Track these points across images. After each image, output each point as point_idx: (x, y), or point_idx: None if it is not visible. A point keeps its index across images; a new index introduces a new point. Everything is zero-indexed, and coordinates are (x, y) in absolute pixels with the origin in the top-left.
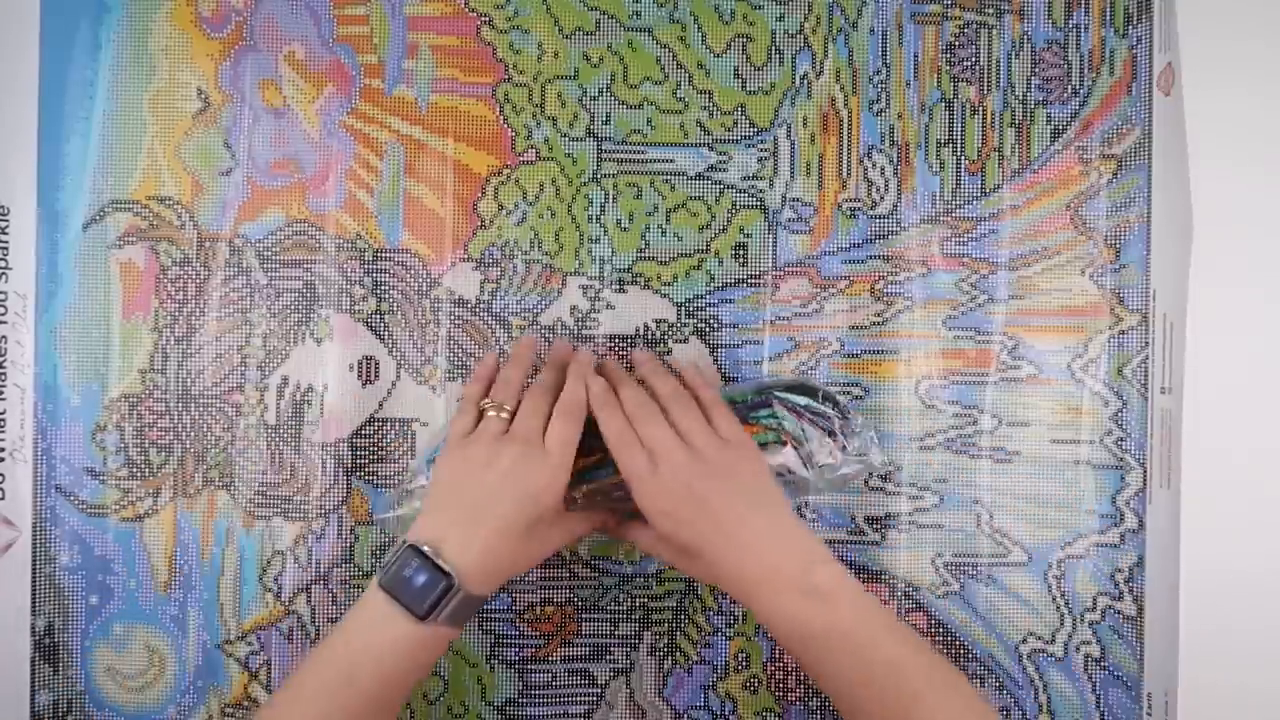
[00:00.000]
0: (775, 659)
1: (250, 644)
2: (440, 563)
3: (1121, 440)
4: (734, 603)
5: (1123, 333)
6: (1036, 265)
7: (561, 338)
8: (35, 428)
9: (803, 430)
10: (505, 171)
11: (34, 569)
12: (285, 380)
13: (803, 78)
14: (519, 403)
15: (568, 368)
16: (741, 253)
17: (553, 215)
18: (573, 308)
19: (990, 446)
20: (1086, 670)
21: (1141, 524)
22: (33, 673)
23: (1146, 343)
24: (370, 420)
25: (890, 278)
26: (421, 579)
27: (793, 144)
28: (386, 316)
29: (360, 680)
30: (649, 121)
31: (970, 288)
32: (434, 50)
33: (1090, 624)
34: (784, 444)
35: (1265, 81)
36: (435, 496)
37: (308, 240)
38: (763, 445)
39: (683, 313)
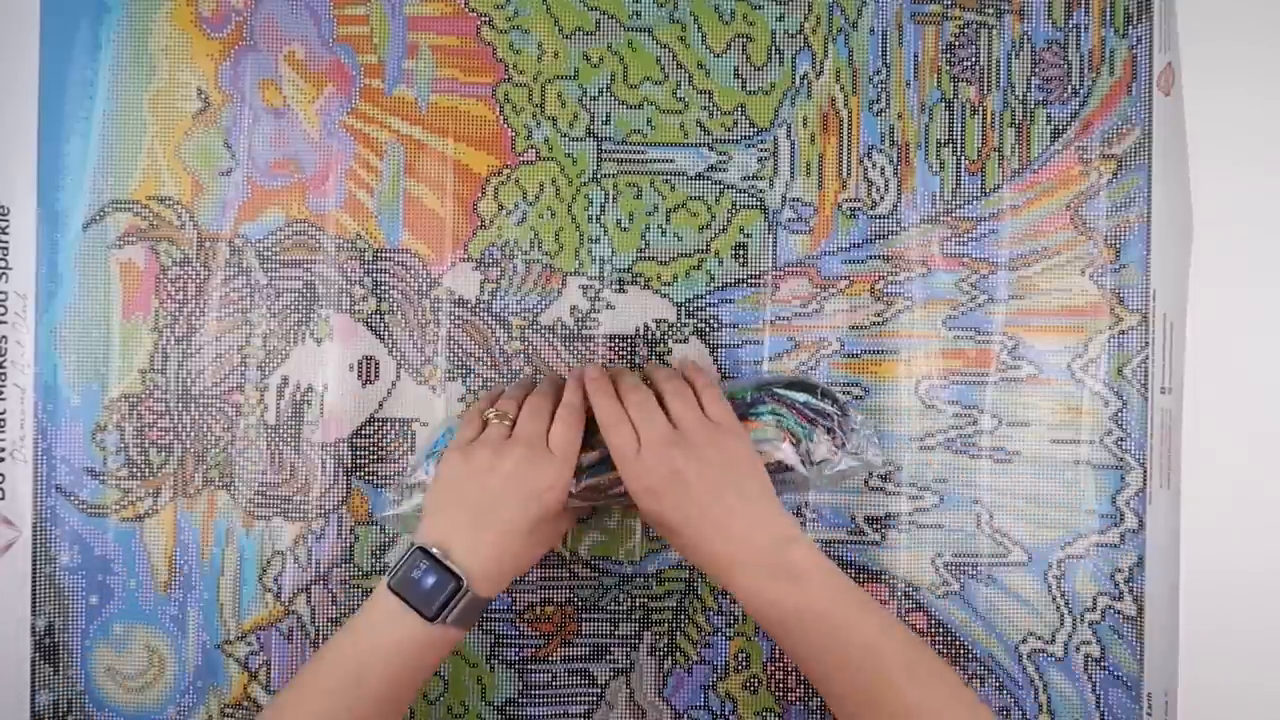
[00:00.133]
0: (775, 659)
1: (250, 644)
2: (450, 564)
3: (1121, 440)
4: (734, 603)
5: (1123, 333)
6: (1036, 265)
7: (562, 335)
8: (35, 428)
9: (801, 427)
10: (505, 171)
11: (34, 569)
12: (285, 380)
13: (803, 78)
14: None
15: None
16: (741, 253)
17: (553, 215)
18: (573, 308)
19: (990, 446)
20: (1086, 670)
21: (1141, 524)
22: (33, 673)
23: (1146, 343)
24: (370, 420)
25: (890, 278)
26: (431, 580)
27: (793, 144)
28: (386, 316)
29: (368, 681)
30: (649, 121)
31: (970, 288)
32: (434, 50)
33: (1090, 624)
34: (782, 440)
35: (1265, 81)
36: (440, 500)
37: (308, 240)
38: (761, 441)
39: (683, 313)
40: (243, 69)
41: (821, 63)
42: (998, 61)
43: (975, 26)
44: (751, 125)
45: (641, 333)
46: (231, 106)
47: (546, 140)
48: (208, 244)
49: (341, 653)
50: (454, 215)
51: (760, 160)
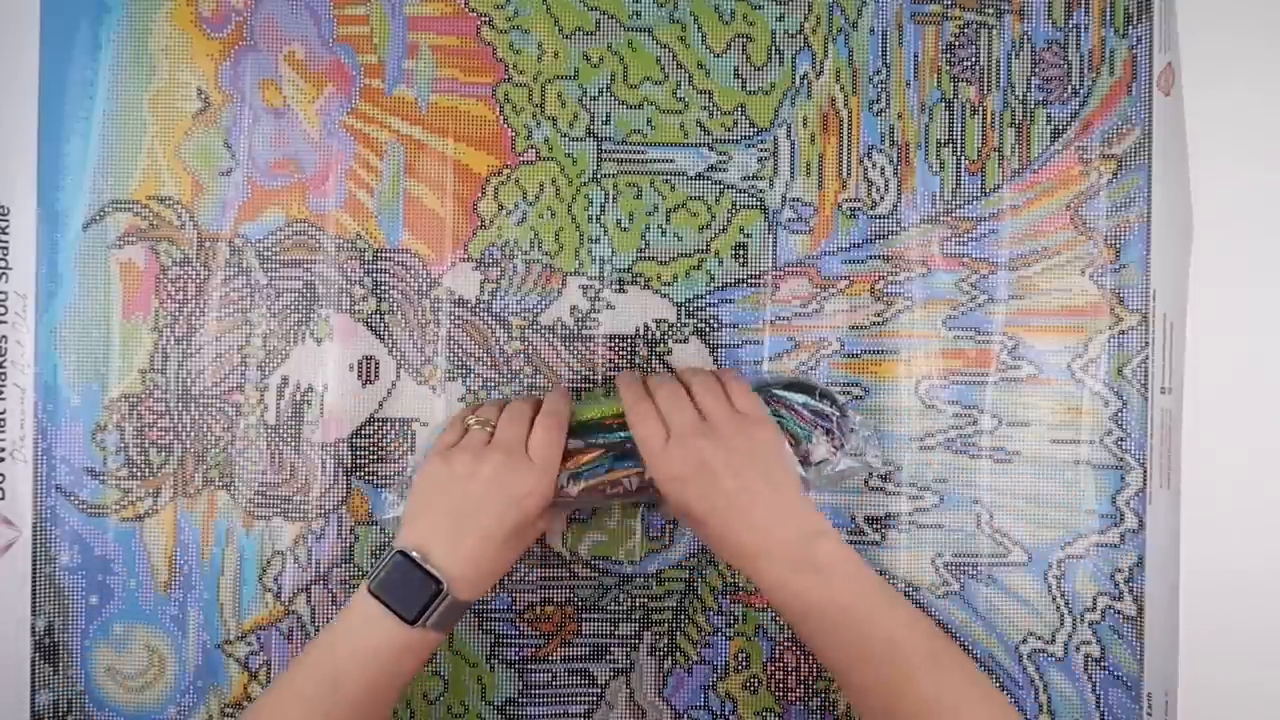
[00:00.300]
0: (775, 659)
1: (250, 644)
2: (429, 568)
3: (1121, 440)
4: (734, 602)
5: (1123, 333)
6: (1036, 265)
7: (563, 336)
8: (35, 428)
9: (800, 428)
10: (505, 171)
11: (34, 569)
12: (285, 380)
13: (803, 78)
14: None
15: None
16: (741, 253)
17: (553, 215)
18: (573, 308)
19: (990, 446)
20: (1086, 670)
21: (1141, 524)
22: (33, 672)
23: (1146, 343)
24: (370, 420)
25: (890, 278)
26: (411, 584)
27: (793, 144)
28: (386, 316)
29: (345, 685)
30: (649, 121)
31: (970, 288)
32: (434, 50)
33: (1090, 624)
34: (782, 441)
35: (1265, 81)
36: (420, 504)
37: (308, 240)
38: None
39: (683, 313)
40: (243, 69)
41: (821, 63)
42: (998, 61)
43: (975, 26)
44: (751, 125)
45: (641, 333)
46: (231, 106)
47: (546, 140)
48: (208, 244)
49: (319, 658)
50: (454, 215)
51: (760, 160)
